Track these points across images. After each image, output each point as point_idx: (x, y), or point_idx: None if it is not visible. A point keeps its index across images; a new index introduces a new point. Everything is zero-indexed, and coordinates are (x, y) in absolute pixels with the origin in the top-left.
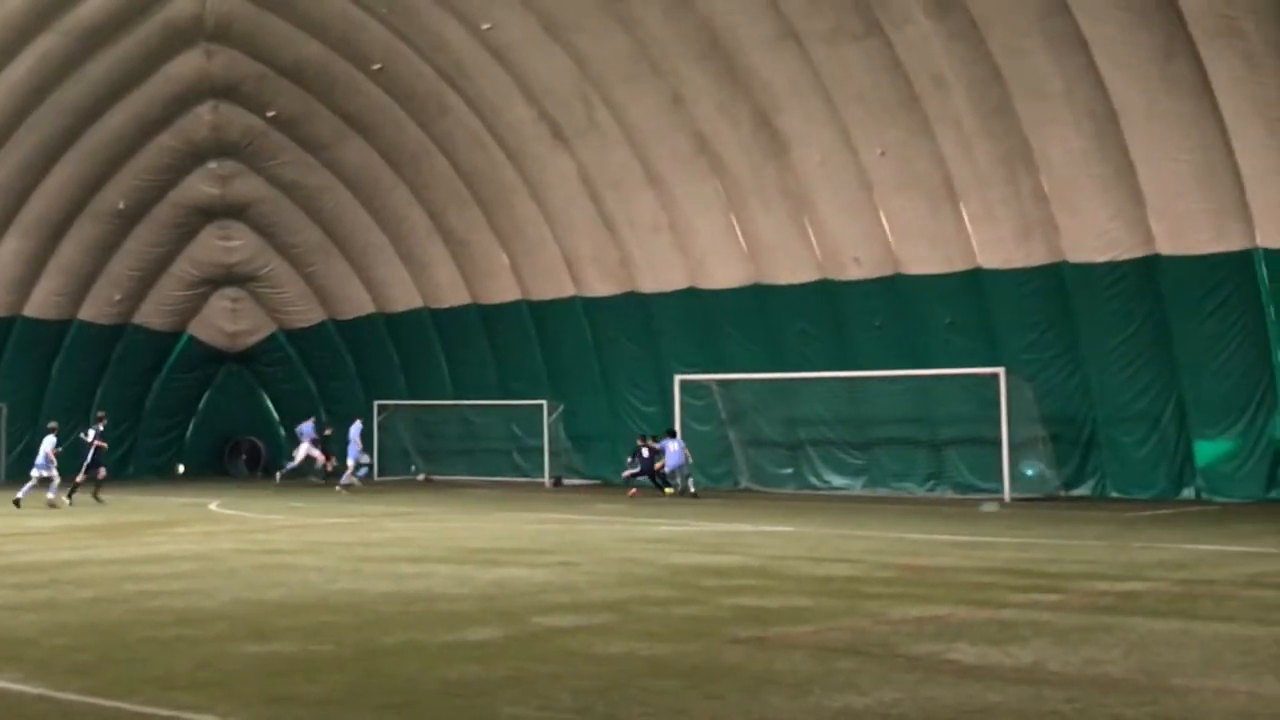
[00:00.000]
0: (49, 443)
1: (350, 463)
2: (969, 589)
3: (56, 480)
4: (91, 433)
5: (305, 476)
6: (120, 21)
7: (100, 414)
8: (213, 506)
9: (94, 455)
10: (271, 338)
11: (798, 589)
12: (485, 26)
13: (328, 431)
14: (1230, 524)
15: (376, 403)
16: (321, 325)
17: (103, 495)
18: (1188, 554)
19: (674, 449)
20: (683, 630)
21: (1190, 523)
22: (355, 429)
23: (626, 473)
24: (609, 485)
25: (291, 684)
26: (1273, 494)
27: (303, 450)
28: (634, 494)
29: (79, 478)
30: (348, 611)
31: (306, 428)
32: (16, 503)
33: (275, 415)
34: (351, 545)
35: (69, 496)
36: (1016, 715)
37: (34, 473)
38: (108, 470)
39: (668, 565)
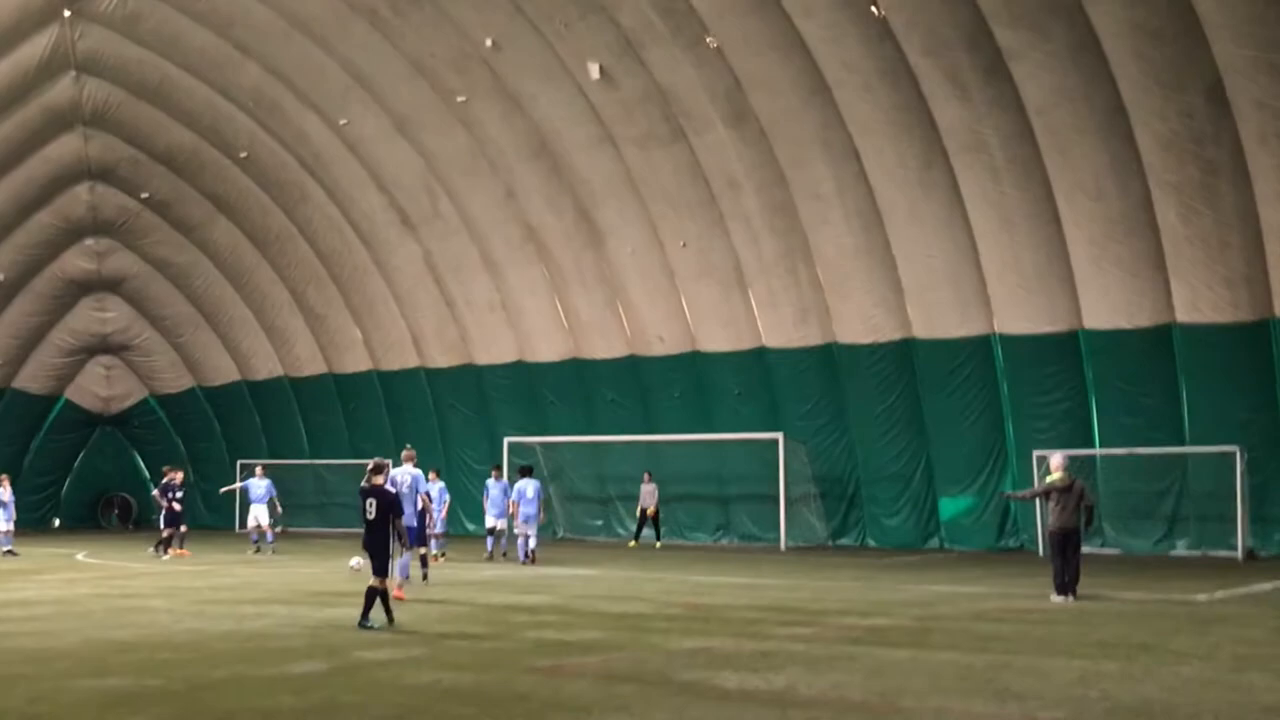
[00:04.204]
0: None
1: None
2: (740, 624)
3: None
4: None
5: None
6: (2, 105)
7: (169, 468)
8: (79, 556)
9: (171, 510)
10: (143, 402)
11: (593, 624)
12: (342, 122)
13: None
14: (965, 569)
15: (240, 461)
16: (190, 391)
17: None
18: (927, 594)
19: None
20: (486, 661)
21: (932, 568)
22: (498, 486)
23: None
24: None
25: (118, 716)
26: (1002, 543)
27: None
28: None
29: (165, 532)
30: (186, 649)
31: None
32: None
33: (146, 473)
34: (201, 589)
35: (160, 549)
36: None
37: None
38: (180, 526)
39: (484, 604)
